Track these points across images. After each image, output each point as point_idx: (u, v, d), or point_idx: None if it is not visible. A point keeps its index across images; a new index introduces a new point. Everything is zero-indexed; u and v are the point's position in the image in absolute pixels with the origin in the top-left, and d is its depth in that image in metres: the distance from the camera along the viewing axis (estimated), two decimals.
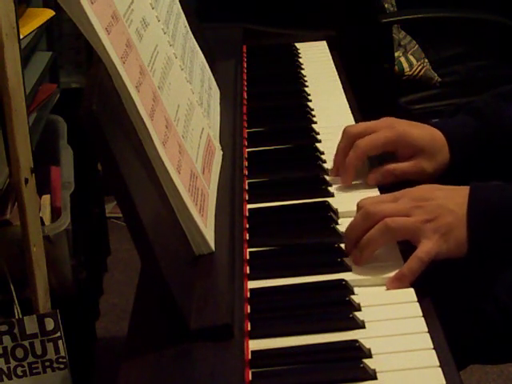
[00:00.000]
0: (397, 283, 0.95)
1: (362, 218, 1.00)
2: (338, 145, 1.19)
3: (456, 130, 1.18)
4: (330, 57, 1.68)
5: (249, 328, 0.89)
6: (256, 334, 0.89)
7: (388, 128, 1.16)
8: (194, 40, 1.30)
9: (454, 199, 1.00)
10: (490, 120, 1.18)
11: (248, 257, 1.02)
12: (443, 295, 1.10)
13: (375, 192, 1.15)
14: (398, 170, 1.16)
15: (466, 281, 1.13)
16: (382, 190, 1.16)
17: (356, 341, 0.85)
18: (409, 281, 0.95)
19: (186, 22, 1.28)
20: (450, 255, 0.98)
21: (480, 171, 1.20)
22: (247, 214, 1.11)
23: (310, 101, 1.47)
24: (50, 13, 1.76)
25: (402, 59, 2.31)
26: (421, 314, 0.90)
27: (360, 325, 0.89)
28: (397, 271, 0.96)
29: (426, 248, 0.96)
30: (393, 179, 1.16)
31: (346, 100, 1.46)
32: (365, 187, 1.16)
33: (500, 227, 0.98)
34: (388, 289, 0.96)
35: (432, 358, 0.84)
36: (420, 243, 0.97)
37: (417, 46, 2.38)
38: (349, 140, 1.17)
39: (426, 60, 2.34)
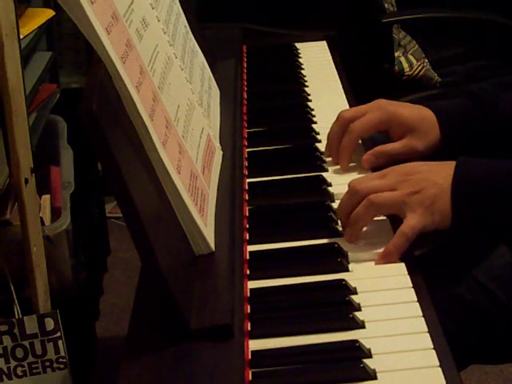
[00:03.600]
0: (385, 260, 0.99)
1: (349, 196, 1.04)
2: (331, 128, 1.23)
3: (447, 109, 1.21)
4: (330, 57, 1.68)
5: (249, 328, 0.89)
6: (256, 334, 0.89)
7: (379, 109, 1.20)
8: (194, 40, 1.30)
9: (439, 173, 1.02)
10: (483, 102, 1.20)
11: (248, 257, 1.02)
12: (442, 294, 1.10)
13: None
14: (389, 149, 1.19)
15: (464, 279, 1.13)
16: None
17: (356, 341, 0.85)
18: (396, 257, 0.99)
19: (185, 22, 1.28)
20: (436, 227, 1.00)
21: (471, 152, 1.21)
22: (247, 214, 1.11)
23: (310, 101, 1.47)
24: (50, 13, 1.76)
25: (402, 59, 2.30)
26: (421, 314, 0.90)
27: (360, 325, 0.89)
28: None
29: (411, 223, 0.99)
30: (385, 160, 1.18)
31: (345, 100, 1.46)
32: None
33: (483, 201, 1.01)
34: (377, 264, 0.99)
35: (432, 358, 0.84)
36: (405, 217, 1.00)
37: (417, 46, 2.38)
38: (342, 124, 1.21)
39: (426, 60, 2.33)
